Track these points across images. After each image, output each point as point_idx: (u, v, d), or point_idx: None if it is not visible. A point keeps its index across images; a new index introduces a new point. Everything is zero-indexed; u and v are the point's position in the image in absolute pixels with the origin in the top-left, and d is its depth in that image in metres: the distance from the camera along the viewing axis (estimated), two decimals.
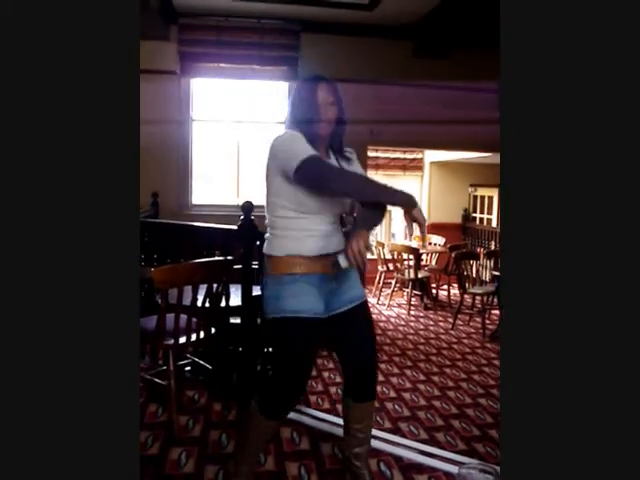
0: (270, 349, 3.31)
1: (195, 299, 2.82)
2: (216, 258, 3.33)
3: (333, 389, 3.59)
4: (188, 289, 2.76)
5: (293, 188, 1.93)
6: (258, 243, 3.20)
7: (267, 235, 2.09)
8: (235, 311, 3.31)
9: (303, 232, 1.99)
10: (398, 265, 6.50)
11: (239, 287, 3.28)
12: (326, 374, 3.92)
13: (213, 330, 3.07)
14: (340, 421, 3.03)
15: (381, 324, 5.62)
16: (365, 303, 2.17)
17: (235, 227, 3.26)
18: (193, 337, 2.89)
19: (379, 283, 6.80)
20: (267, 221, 2.08)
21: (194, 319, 2.91)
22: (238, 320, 3.32)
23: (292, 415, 3.08)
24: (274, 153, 1.98)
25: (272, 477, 2.41)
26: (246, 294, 3.20)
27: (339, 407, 3.27)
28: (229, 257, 3.12)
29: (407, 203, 1.82)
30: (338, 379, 3.82)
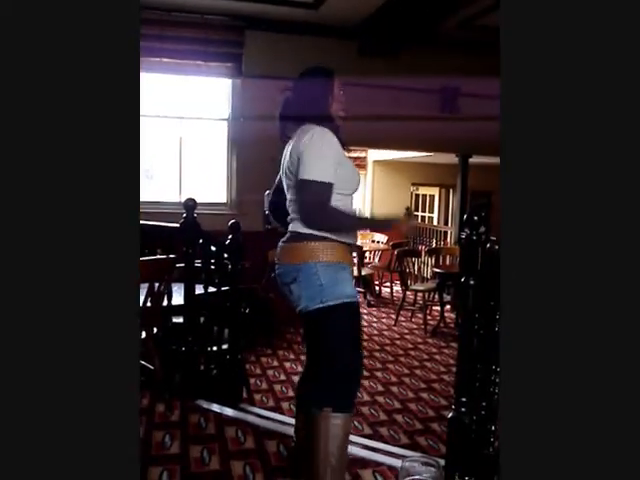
0: (213, 348, 3.29)
1: None
2: (158, 256, 3.27)
3: (277, 387, 3.59)
4: None
5: (344, 171, 2.00)
6: (201, 241, 3.17)
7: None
8: (177, 310, 3.26)
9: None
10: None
11: (182, 286, 3.23)
12: (270, 372, 3.92)
13: (155, 330, 3.02)
14: (285, 419, 3.04)
15: None
16: None
17: (177, 225, 3.21)
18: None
19: None
20: None
21: None
22: (181, 319, 3.27)
23: (237, 414, 3.06)
24: (312, 146, 1.95)
25: (217, 476, 2.39)
26: (189, 293, 3.16)
27: (284, 405, 3.28)
28: (171, 255, 3.08)
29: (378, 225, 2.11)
30: (282, 377, 3.83)
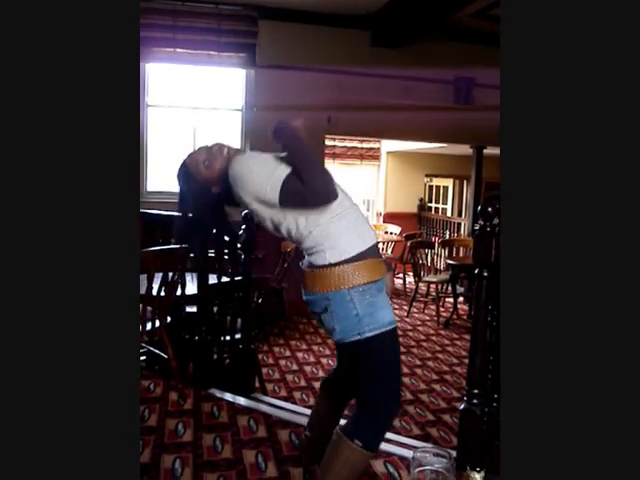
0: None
1: (150, 288, 2.79)
2: (172, 246, 3.29)
3: (290, 377, 3.61)
4: (143, 278, 2.72)
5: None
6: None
7: (316, 249, 1.80)
8: (191, 300, 3.28)
9: (359, 216, 1.85)
10: None
11: (195, 275, 3.25)
12: (283, 362, 3.94)
13: (169, 319, 3.04)
14: (297, 408, 3.06)
15: None
16: None
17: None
18: (148, 326, 2.85)
19: None
20: (309, 234, 1.80)
21: (149, 308, 2.87)
22: (194, 309, 3.30)
23: (249, 403, 3.08)
24: (242, 180, 1.82)
25: (229, 464, 2.41)
26: (202, 283, 3.17)
27: (296, 395, 3.29)
28: (185, 245, 3.09)
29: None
30: (295, 367, 3.84)
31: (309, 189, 1.68)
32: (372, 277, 1.77)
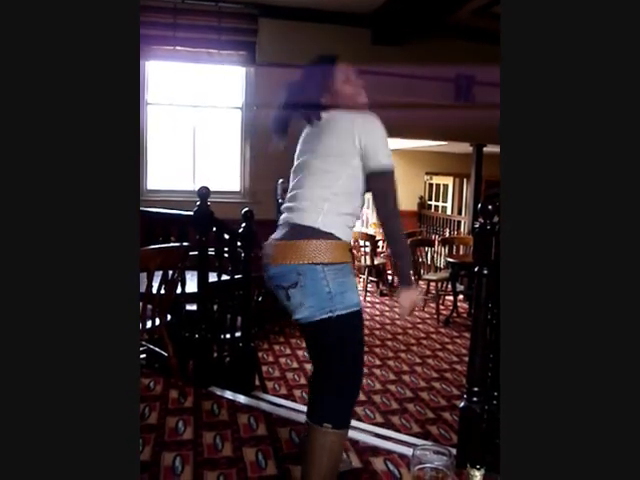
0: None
1: (150, 286, 2.79)
2: (172, 244, 3.29)
3: (290, 374, 3.61)
4: (143, 276, 2.72)
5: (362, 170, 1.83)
6: (215, 229, 3.18)
7: (325, 210, 1.82)
8: (191, 298, 3.28)
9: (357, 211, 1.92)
10: (354, 252, 6.55)
11: (195, 273, 3.25)
12: (283, 360, 3.94)
13: (169, 317, 3.04)
14: (297, 406, 3.06)
15: None
16: None
17: (191, 213, 3.23)
18: (148, 324, 2.85)
19: None
20: (326, 194, 1.83)
21: (149, 306, 2.87)
22: (194, 307, 3.30)
23: (249, 401, 3.09)
24: (375, 133, 1.84)
25: (229, 462, 2.41)
26: (202, 281, 3.17)
27: (296, 392, 3.30)
28: (185, 243, 3.09)
29: (405, 281, 1.88)
30: (295, 365, 3.85)
31: (389, 197, 1.81)
32: (344, 259, 1.81)
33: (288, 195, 1.95)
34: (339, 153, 1.83)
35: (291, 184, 1.96)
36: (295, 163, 2.00)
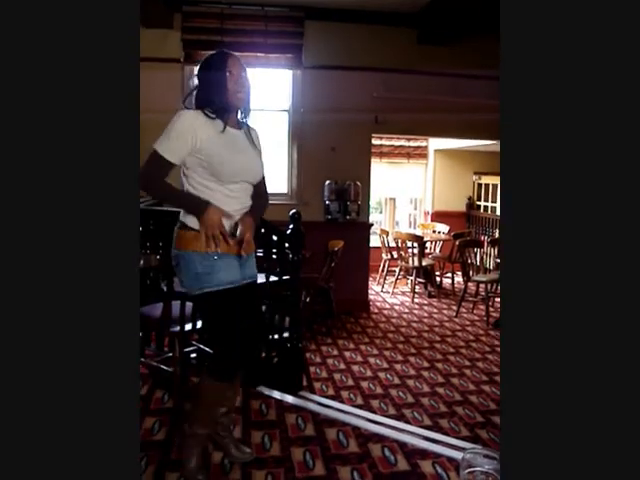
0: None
1: None
2: None
3: (337, 375, 3.62)
4: None
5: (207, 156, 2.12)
6: (263, 231, 3.21)
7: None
8: None
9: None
10: (402, 253, 6.51)
11: None
12: (330, 361, 3.95)
13: None
14: (345, 407, 3.07)
15: (385, 312, 5.64)
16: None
17: None
18: (199, 324, 2.91)
19: (383, 271, 6.82)
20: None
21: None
22: None
23: (297, 401, 3.11)
24: (171, 125, 2.11)
25: (277, 462, 2.43)
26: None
27: (344, 394, 3.30)
28: None
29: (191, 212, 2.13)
30: (342, 366, 3.85)
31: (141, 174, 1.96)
32: (208, 248, 2.09)
33: None
34: None
35: None
36: None
